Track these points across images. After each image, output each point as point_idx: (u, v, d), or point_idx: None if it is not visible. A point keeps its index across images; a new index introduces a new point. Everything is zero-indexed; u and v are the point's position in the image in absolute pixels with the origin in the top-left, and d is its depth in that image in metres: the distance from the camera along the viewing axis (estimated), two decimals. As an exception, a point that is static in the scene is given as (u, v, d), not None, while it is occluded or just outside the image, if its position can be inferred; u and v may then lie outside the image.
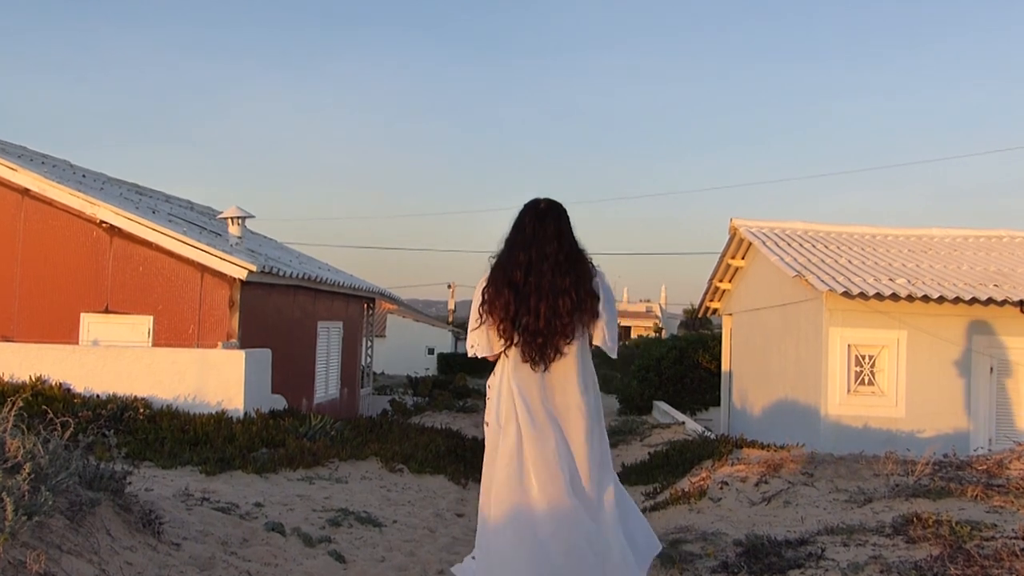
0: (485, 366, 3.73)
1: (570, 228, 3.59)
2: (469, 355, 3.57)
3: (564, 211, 3.63)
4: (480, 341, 3.54)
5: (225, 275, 11.91)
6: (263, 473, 7.88)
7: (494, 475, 3.46)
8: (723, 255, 17.02)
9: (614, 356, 3.66)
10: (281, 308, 13.85)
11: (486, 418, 3.67)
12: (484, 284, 3.55)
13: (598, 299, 3.52)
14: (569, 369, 3.50)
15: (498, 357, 3.57)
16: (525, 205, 3.63)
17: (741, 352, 17.10)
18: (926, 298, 11.64)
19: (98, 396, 9.93)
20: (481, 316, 3.52)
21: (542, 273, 3.46)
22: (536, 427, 3.42)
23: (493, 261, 3.58)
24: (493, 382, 3.64)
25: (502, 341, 3.50)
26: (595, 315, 3.51)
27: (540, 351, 3.45)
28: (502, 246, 3.59)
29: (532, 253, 3.49)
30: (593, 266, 3.58)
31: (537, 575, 3.27)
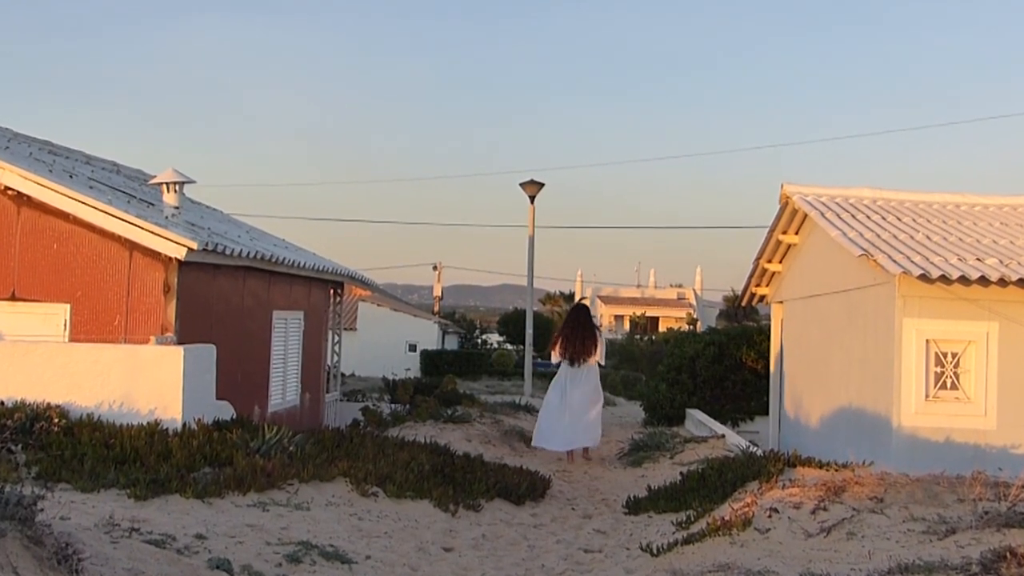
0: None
1: (588, 314, 16.65)
2: (552, 361, 17.06)
3: (585, 308, 17.14)
4: (556, 356, 16.22)
5: (159, 254, 11.90)
6: (206, 498, 7.91)
7: (549, 400, 16.02)
8: (772, 229, 17.02)
9: (603, 363, 17.57)
10: (228, 295, 13.85)
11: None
12: (559, 335, 16.35)
13: (596, 339, 16.07)
14: (587, 365, 15.91)
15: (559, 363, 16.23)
16: (571, 308, 18.90)
17: (794, 349, 17.12)
18: (1022, 282, 11.64)
19: (2, 403, 9.94)
20: (555, 348, 16.29)
21: (576, 334, 15.95)
22: (565, 386, 15.81)
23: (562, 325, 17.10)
24: (559, 370, 16.23)
25: (561, 357, 16.03)
26: (596, 346, 15.98)
27: (576, 360, 15.84)
28: (566, 319, 17.22)
29: (572, 327, 16.21)
30: (596, 326, 16.81)
31: (554, 435, 15.61)
